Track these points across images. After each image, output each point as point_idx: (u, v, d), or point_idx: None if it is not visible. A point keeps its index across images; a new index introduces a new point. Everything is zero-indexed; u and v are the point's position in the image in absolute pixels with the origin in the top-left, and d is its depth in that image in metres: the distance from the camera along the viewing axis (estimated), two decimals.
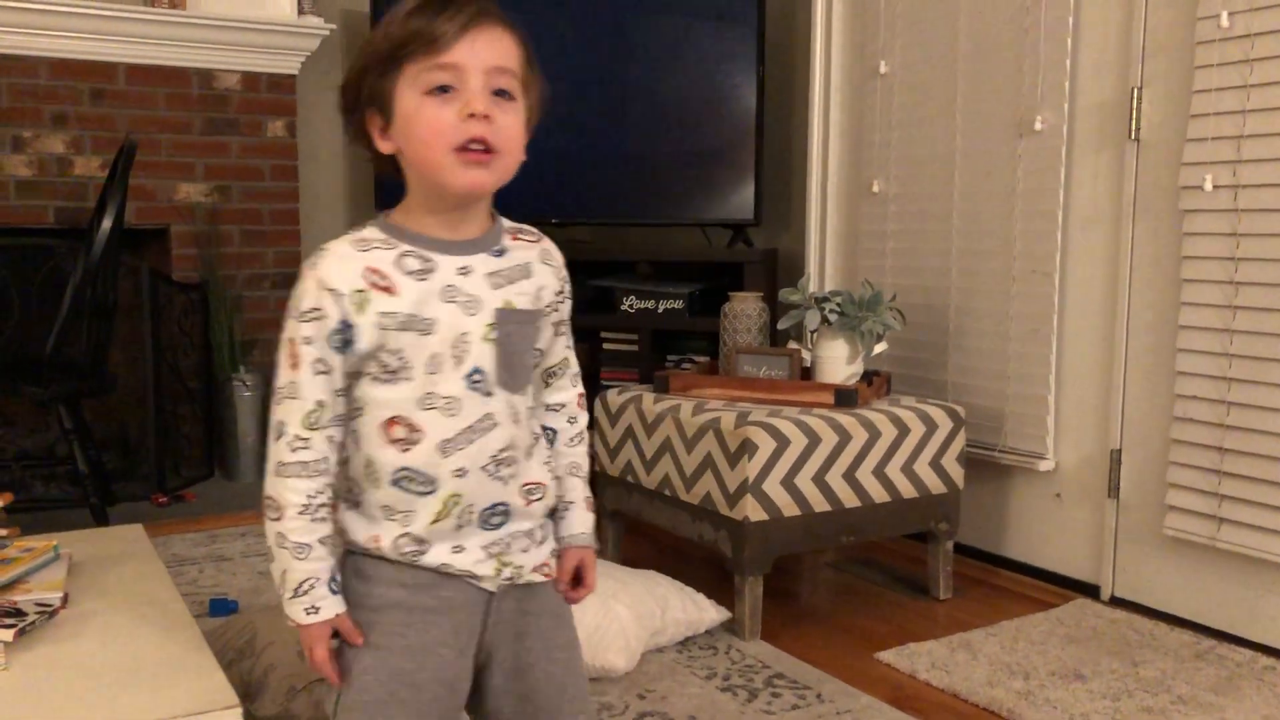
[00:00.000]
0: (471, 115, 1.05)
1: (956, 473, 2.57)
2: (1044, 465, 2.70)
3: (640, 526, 2.72)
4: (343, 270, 1.08)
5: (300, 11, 3.68)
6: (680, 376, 2.66)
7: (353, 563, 1.15)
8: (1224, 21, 2.26)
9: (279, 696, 1.79)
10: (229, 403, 3.62)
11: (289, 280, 3.75)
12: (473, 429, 1.12)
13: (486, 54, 1.06)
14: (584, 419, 1.28)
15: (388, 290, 1.08)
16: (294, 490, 1.10)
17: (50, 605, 1.46)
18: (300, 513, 1.10)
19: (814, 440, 2.35)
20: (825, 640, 2.36)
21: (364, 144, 1.13)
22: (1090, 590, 2.63)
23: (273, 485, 1.11)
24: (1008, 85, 2.74)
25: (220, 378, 3.63)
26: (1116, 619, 2.47)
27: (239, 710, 1.25)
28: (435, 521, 1.12)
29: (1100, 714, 1.98)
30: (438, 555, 1.13)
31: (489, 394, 1.12)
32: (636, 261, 3.64)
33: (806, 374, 2.66)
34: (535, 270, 1.17)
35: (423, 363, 1.09)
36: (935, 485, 2.54)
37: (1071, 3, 2.59)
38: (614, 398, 2.67)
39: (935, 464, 2.53)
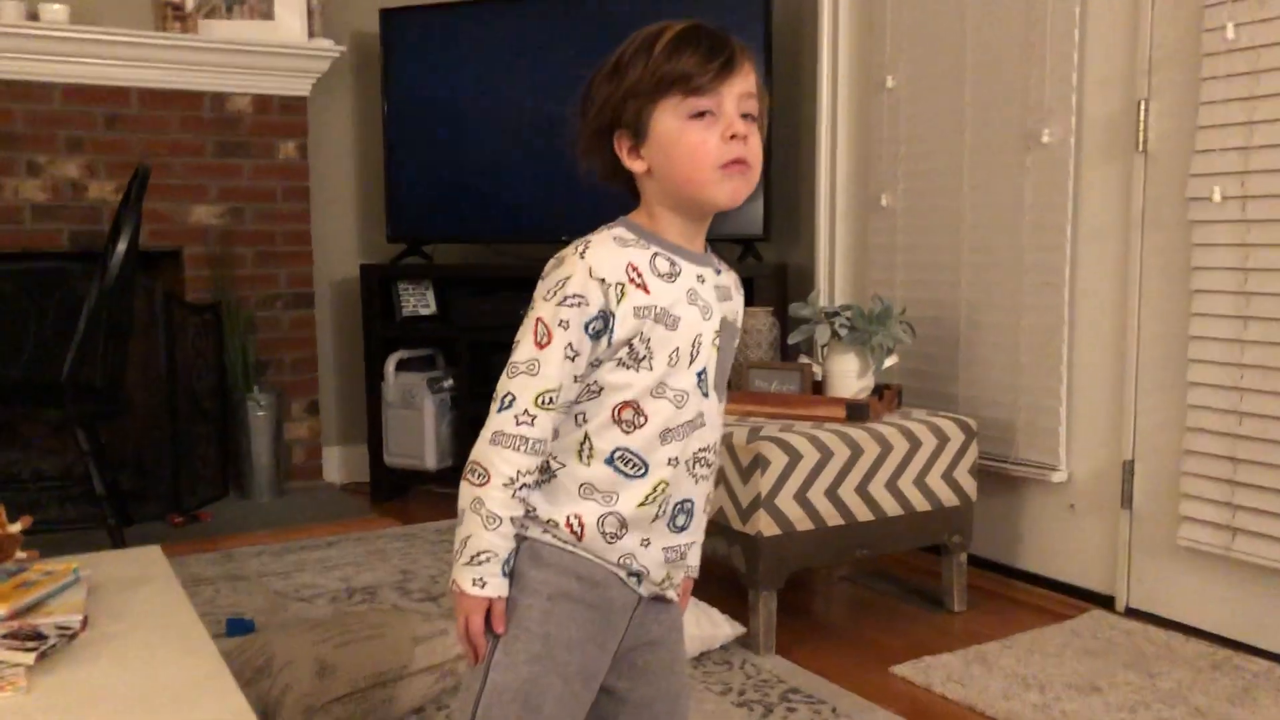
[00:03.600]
0: (733, 137, 1.15)
1: (969, 485, 2.58)
2: (1057, 476, 2.70)
3: None
4: (611, 262, 1.15)
5: (310, 34, 3.71)
6: None
7: (530, 548, 1.18)
8: (1230, 33, 2.27)
9: (296, 716, 1.80)
10: (243, 423, 3.64)
11: (302, 300, 3.83)
12: (690, 423, 1.19)
13: (739, 85, 1.17)
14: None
15: (642, 287, 1.15)
16: (506, 461, 1.13)
17: (71, 628, 1.47)
18: (505, 484, 1.13)
19: (826, 455, 2.35)
20: (840, 654, 2.37)
21: (603, 159, 1.22)
22: (1105, 601, 2.63)
23: (484, 452, 1.14)
24: (1014, 98, 2.75)
25: (235, 398, 3.65)
26: (1132, 630, 2.46)
27: None
28: (641, 505, 1.18)
29: None
30: (629, 544, 1.19)
31: (706, 395, 1.20)
32: None
33: (817, 388, 2.67)
34: (734, 294, 1.26)
35: (665, 354, 1.16)
36: (948, 498, 2.54)
37: (1077, 16, 2.60)
38: None
39: (948, 476, 2.53)
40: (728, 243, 3.53)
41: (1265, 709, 2.05)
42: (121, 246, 2.80)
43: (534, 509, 1.18)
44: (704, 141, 1.15)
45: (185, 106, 3.60)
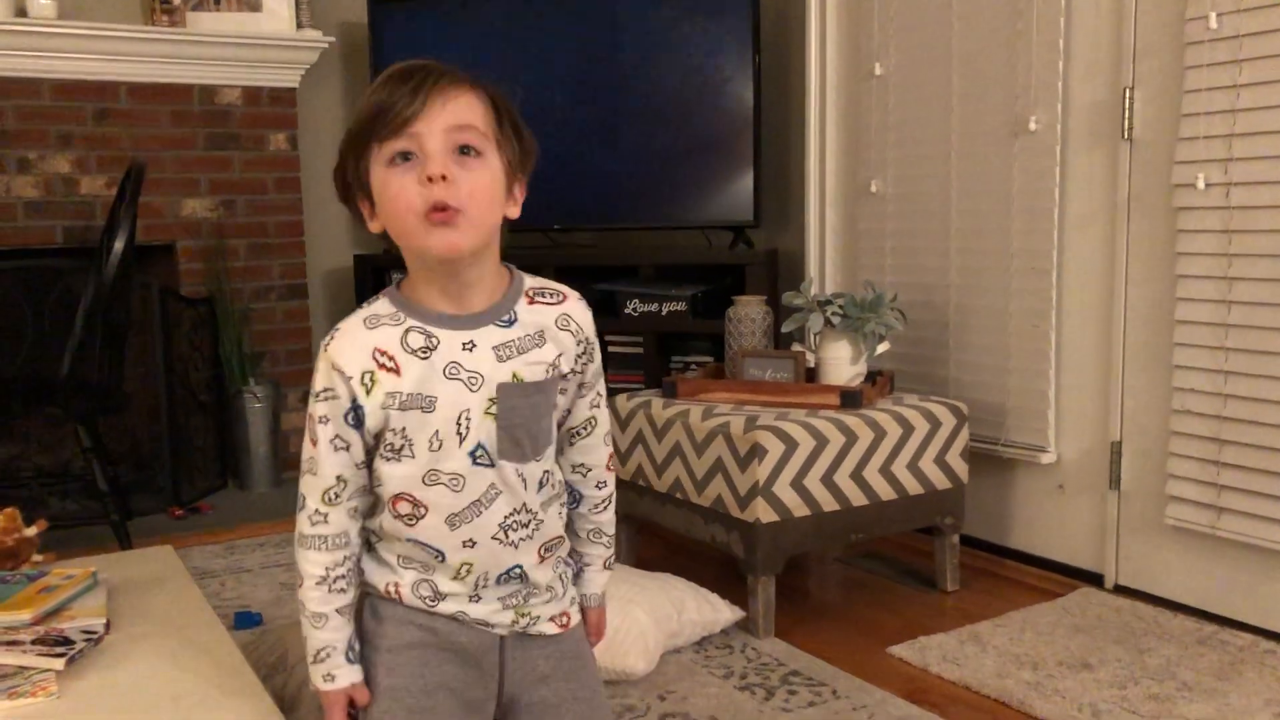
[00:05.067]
0: (430, 179, 1.04)
1: (961, 468, 2.63)
2: (1046, 458, 2.76)
3: (651, 528, 2.77)
4: (352, 351, 1.10)
5: (298, 25, 3.71)
6: (688, 381, 2.71)
7: (369, 604, 1.19)
8: (1213, 23, 2.30)
9: (313, 710, 1.84)
10: (240, 414, 3.67)
11: (295, 291, 3.85)
12: (478, 502, 1.13)
13: (443, 115, 1.05)
14: (612, 482, 1.29)
15: (393, 371, 1.09)
16: (312, 562, 1.15)
17: (95, 632, 1.50)
18: (318, 583, 1.14)
19: (821, 442, 2.40)
20: (838, 636, 2.42)
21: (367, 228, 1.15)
22: (1094, 579, 2.69)
23: (296, 555, 1.16)
24: (1001, 86, 2.79)
25: (231, 390, 3.68)
26: (1121, 607, 2.53)
27: None
28: (455, 579, 1.16)
29: (1108, 702, 2.04)
30: (454, 605, 1.17)
31: (492, 465, 1.13)
32: (639, 265, 3.69)
33: (811, 375, 2.71)
34: (550, 336, 1.15)
35: (425, 440, 1.11)
36: (940, 481, 2.60)
37: (1063, 4, 2.63)
38: (623, 403, 2.73)
39: (940, 460, 2.59)
40: (718, 229, 3.57)
41: (1251, 682, 2.11)
42: (119, 245, 2.81)
43: (364, 571, 1.19)
44: (402, 187, 1.04)
45: (175, 100, 3.60)
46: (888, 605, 2.62)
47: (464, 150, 1.06)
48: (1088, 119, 2.64)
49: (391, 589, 1.17)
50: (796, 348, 2.80)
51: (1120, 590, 2.64)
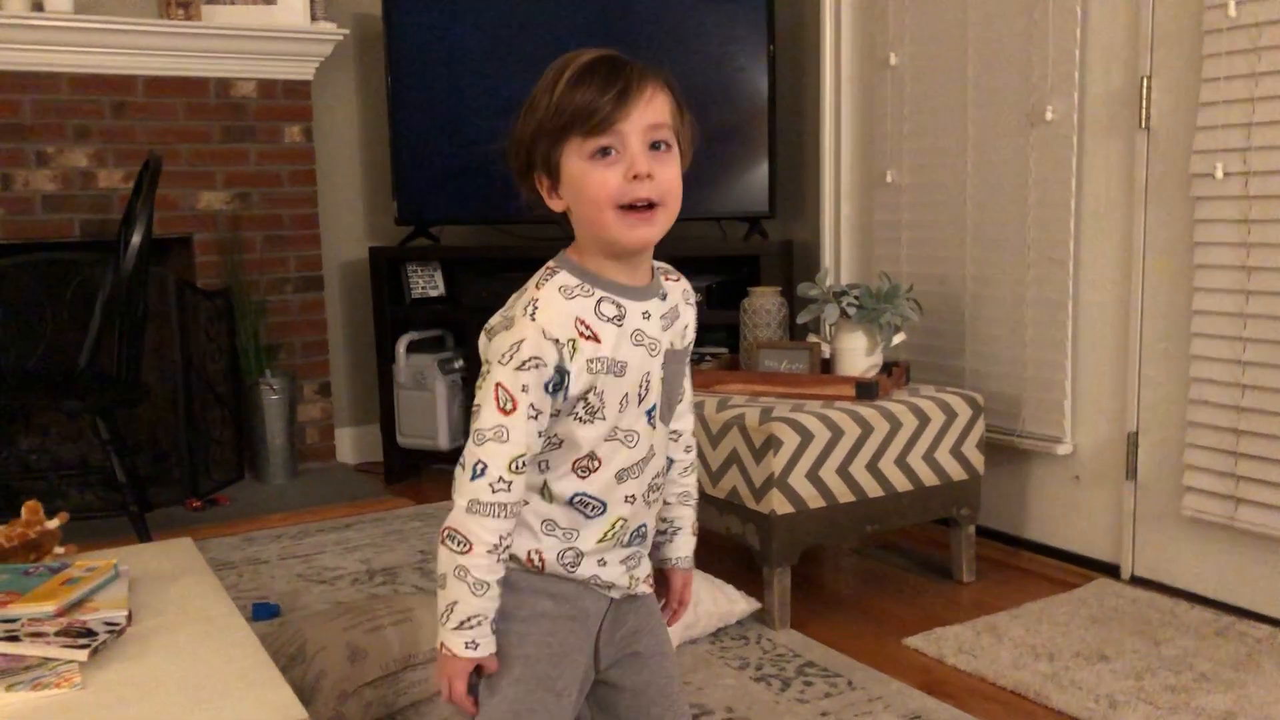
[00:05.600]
0: (635, 177, 1.12)
1: (977, 459, 2.63)
2: (1062, 449, 2.75)
3: None
4: (560, 319, 1.14)
5: (313, 18, 3.72)
6: (703, 373, 2.71)
7: (504, 576, 1.20)
8: (1231, 10, 2.29)
9: (331, 701, 1.86)
10: (257, 406, 3.68)
11: (311, 283, 3.86)
12: (643, 461, 1.22)
13: (644, 116, 1.13)
14: (695, 448, 1.37)
15: (593, 338, 1.15)
16: (488, 530, 1.15)
17: (118, 624, 1.52)
18: (489, 551, 1.15)
19: (837, 433, 2.40)
20: (853, 627, 2.42)
21: (535, 199, 1.20)
22: (1110, 570, 2.69)
23: (463, 520, 1.15)
24: (1018, 75, 2.78)
25: (247, 382, 3.69)
26: (1137, 598, 2.52)
27: None
28: (600, 541, 1.22)
29: (1124, 694, 2.04)
30: (589, 568, 1.22)
31: (654, 427, 1.22)
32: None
33: (826, 367, 2.71)
34: (682, 310, 1.25)
35: (616, 401, 1.18)
36: (956, 472, 2.59)
37: None
38: None
39: (956, 451, 2.58)
40: (733, 220, 3.57)
41: (1268, 674, 2.11)
42: (136, 239, 2.82)
43: None
44: (605, 182, 1.12)
45: (191, 93, 3.62)
46: (903, 596, 2.62)
47: (655, 145, 1.14)
48: (1105, 108, 2.62)
49: (534, 555, 1.21)
50: (812, 339, 2.79)
51: (1137, 581, 2.63)
